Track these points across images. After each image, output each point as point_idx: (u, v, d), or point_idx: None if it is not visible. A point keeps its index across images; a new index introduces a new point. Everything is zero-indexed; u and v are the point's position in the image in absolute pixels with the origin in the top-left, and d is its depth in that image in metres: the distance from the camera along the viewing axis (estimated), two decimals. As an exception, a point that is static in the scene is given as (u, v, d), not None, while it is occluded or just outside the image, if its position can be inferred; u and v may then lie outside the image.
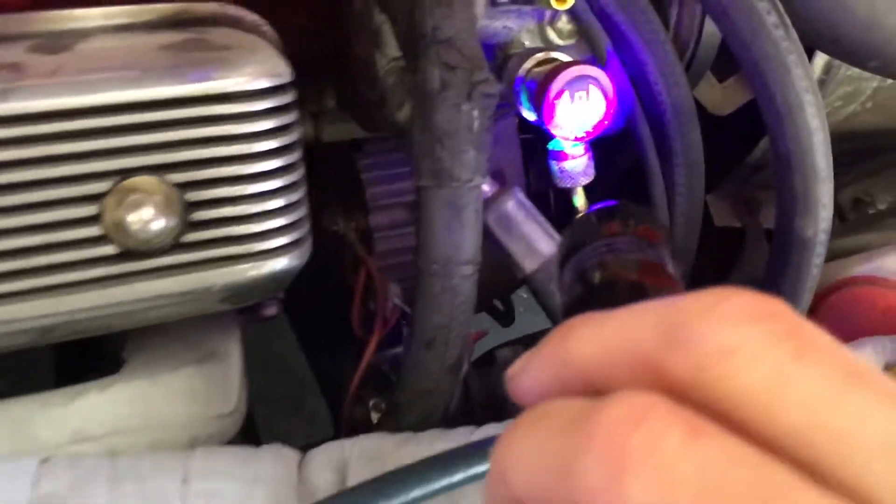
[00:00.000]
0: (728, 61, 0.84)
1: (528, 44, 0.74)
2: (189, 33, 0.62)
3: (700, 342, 0.20)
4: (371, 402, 0.95)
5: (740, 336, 0.20)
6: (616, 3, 0.71)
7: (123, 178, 0.54)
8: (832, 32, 0.64)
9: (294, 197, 0.60)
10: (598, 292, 0.36)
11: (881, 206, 1.07)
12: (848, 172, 1.03)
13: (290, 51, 0.77)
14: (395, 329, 0.99)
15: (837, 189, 0.66)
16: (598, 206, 0.44)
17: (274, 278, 0.61)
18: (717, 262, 1.05)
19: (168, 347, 0.73)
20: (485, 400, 0.97)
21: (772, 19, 0.60)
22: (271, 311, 0.80)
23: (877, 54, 0.65)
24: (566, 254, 0.40)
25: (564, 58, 0.68)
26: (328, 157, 1.01)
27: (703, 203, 0.81)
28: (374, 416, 0.93)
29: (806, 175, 0.64)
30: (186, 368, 0.71)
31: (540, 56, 0.68)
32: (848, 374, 0.19)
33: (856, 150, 0.98)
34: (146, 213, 0.53)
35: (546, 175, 0.76)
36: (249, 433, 1.39)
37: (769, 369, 0.19)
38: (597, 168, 0.75)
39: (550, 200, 1.00)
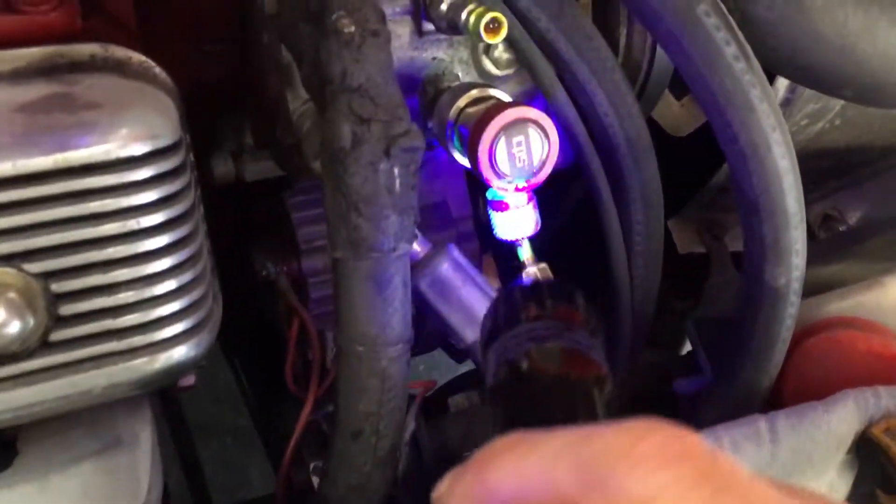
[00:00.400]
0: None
1: (461, 76, 0.66)
2: (58, 85, 0.53)
3: (617, 490, 0.21)
4: (312, 465, 0.86)
5: (656, 484, 0.21)
6: (558, 28, 0.63)
7: (-29, 272, 0.45)
8: (801, 59, 0.56)
9: (189, 276, 0.51)
10: (524, 384, 0.38)
11: (851, 222, 1.01)
12: (817, 189, 0.96)
13: (201, 82, 0.69)
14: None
15: (806, 207, 0.60)
16: (515, 284, 0.46)
17: (172, 371, 0.52)
18: (684, 290, 0.98)
19: (67, 434, 0.64)
20: (437, 454, 0.89)
21: (731, 50, 0.53)
22: (188, 381, 0.71)
23: (849, 82, 0.58)
24: (488, 337, 0.42)
25: (501, 95, 0.60)
26: (255, 196, 0.93)
27: (664, 240, 0.74)
28: (316, 481, 0.85)
29: (776, 221, 0.57)
30: (85, 463, 0.62)
31: (474, 93, 0.60)
32: None
33: (825, 168, 0.91)
34: (-2, 314, 0.44)
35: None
36: (193, 474, 1.29)
37: None
38: (544, 205, 0.68)
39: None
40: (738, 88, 0.53)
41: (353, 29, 0.50)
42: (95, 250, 0.47)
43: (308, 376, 0.92)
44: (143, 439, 0.66)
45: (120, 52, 0.59)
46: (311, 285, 0.88)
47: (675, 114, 0.85)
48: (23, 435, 0.64)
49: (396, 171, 0.50)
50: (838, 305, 0.73)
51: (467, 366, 1.05)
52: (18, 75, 0.56)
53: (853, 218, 1.01)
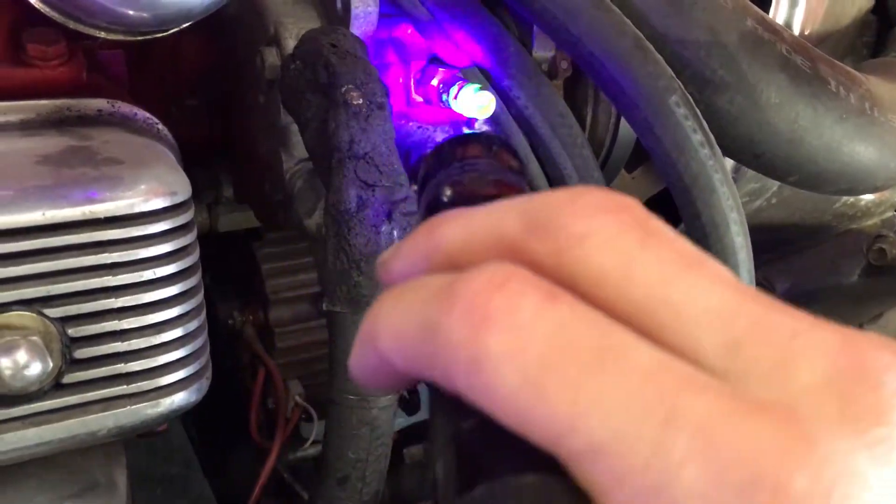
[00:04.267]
0: (635, 152, 0.83)
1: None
2: (72, 138, 0.56)
3: (559, 229, 0.22)
4: (271, 513, 0.88)
5: (594, 225, 0.22)
6: (535, 106, 0.69)
7: (-7, 315, 0.47)
8: (756, 148, 0.63)
9: (194, 324, 0.53)
10: (452, 205, 0.34)
11: (779, 292, 1.09)
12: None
13: (181, 135, 0.71)
14: (294, 430, 0.92)
15: (741, 276, 0.66)
16: (457, 135, 0.45)
17: (171, 415, 0.54)
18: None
19: (44, 477, 0.65)
20: (392, 502, 0.92)
21: (697, 138, 0.59)
22: (161, 427, 0.72)
23: (797, 170, 0.64)
24: (424, 179, 0.38)
25: (485, 166, 0.65)
26: (225, 246, 0.95)
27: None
28: (275, 528, 0.87)
29: (731, 292, 0.63)
30: (63, 505, 0.63)
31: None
32: (684, 259, 0.22)
33: (760, 242, 0.98)
34: (21, 356, 0.46)
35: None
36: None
37: (618, 253, 0.22)
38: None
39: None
40: (702, 171, 0.59)
41: (361, 101, 0.55)
42: (112, 298, 0.49)
43: (268, 425, 0.94)
44: (119, 483, 0.67)
45: (126, 107, 0.62)
46: (278, 335, 0.91)
47: (628, 186, 0.92)
48: (-3, 476, 0.65)
49: (396, 233, 0.54)
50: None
51: (416, 418, 1.08)
52: (28, 126, 0.58)
53: (781, 288, 1.09)
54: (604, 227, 0.22)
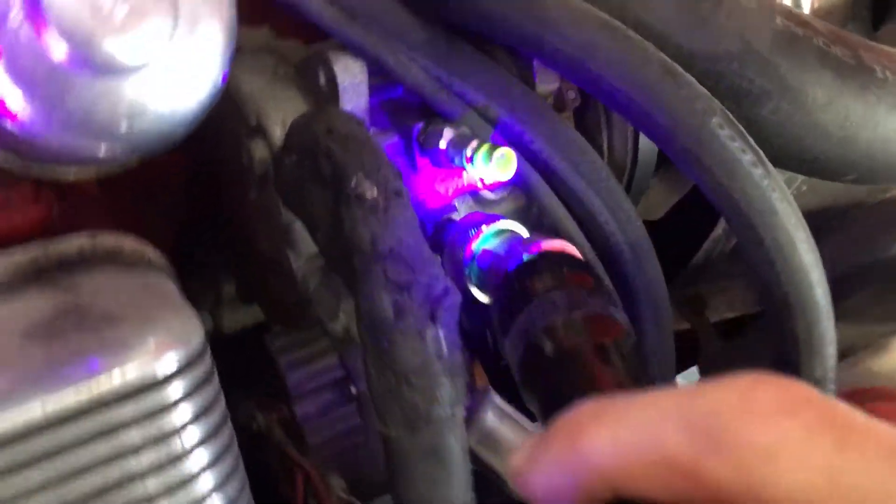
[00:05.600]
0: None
1: (458, 205, 0.64)
2: (56, 293, 0.49)
3: (740, 444, 0.20)
4: None
5: (780, 433, 0.20)
6: (552, 146, 0.62)
7: (1, 534, 0.39)
8: (808, 153, 0.57)
9: (234, 488, 0.46)
10: (558, 366, 0.35)
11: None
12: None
13: (164, 244, 0.64)
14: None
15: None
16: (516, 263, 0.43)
17: None
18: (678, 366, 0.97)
19: None
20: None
21: (748, 158, 0.53)
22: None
23: (853, 168, 0.58)
24: (502, 319, 0.39)
25: (516, 227, 0.58)
26: (229, 344, 0.88)
27: (673, 337, 0.73)
28: None
29: (808, 317, 0.57)
30: None
31: (487, 228, 0.58)
32: (893, 449, 0.20)
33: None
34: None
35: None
36: None
37: (816, 464, 0.19)
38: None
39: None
40: (759, 194, 0.53)
41: (375, 193, 0.48)
42: (138, 483, 0.42)
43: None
44: None
45: (108, 238, 0.55)
46: (308, 431, 0.84)
47: (647, 198, 0.85)
48: None
49: (442, 333, 0.48)
50: (850, 373, 0.74)
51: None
52: (4, 285, 0.51)
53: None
54: (791, 433, 0.20)
